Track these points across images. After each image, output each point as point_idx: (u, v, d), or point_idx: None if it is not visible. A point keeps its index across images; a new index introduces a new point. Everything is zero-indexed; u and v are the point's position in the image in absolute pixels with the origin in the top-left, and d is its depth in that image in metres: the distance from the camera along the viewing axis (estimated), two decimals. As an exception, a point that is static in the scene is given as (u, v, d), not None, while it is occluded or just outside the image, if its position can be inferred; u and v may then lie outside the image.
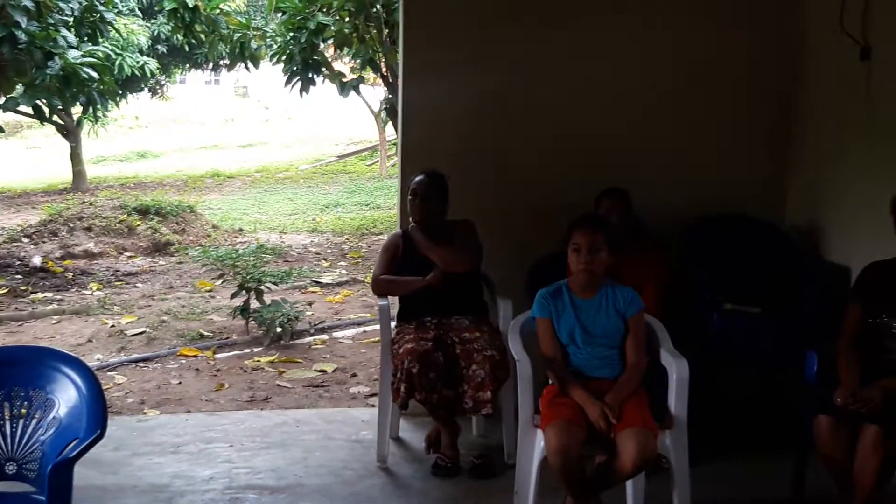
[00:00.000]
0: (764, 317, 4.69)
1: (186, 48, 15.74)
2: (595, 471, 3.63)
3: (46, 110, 12.29)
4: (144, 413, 5.71)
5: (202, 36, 12.21)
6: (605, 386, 3.63)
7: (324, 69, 11.07)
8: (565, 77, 5.07)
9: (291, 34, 10.88)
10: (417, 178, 4.54)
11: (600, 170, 4.91)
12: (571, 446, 3.41)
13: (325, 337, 7.71)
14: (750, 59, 5.17)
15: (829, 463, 3.65)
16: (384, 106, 11.40)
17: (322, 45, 11.11)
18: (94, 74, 11.38)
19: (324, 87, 12.38)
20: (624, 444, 3.43)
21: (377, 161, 20.30)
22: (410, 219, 4.59)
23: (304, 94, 11.33)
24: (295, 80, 11.21)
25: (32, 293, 9.47)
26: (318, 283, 9.88)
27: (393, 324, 4.60)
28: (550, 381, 3.70)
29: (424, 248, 4.47)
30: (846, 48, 4.61)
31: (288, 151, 24.22)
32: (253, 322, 7.61)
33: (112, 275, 10.50)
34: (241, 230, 13.50)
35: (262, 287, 7.76)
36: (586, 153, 5.07)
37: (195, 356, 7.07)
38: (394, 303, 4.64)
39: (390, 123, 14.63)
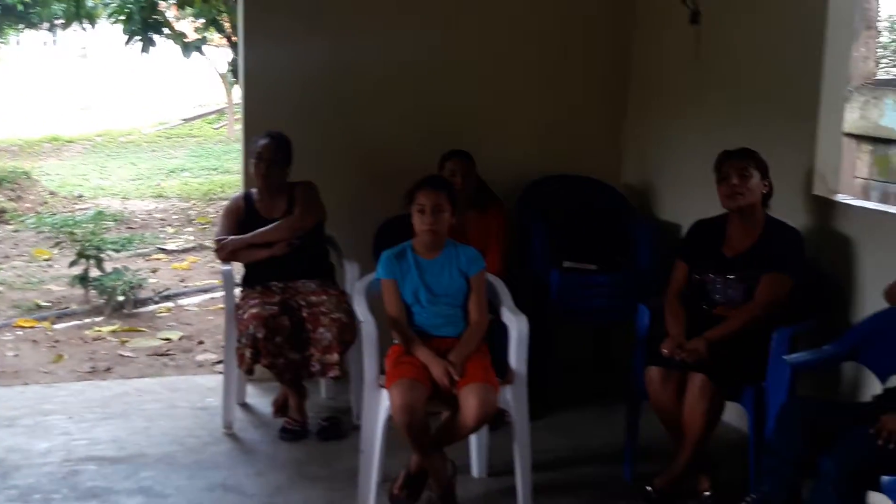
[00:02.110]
0: (600, 273, 4.86)
1: (21, 6, 14.92)
2: (439, 427, 3.70)
3: None
4: (-24, 387, 5.46)
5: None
6: (449, 344, 3.69)
7: (165, 29, 10.71)
8: (410, 41, 5.08)
9: (130, -8, 10.46)
10: (262, 142, 4.47)
11: (444, 133, 4.95)
12: (416, 404, 3.47)
13: (170, 304, 7.54)
14: (585, 23, 5.31)
15: (660, 412, 3.82)
16: (230, 68, 11.12)
17: (163, 4, 10.74)
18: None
19: (168, 48, 12.00)
20: (466, 400, 3.50)
21: (225, 124, 19.84)
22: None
23: (144, 53, 10.94)
24: (135, 41, 10.80)
25: None
26: (162, 250, 9.63)
27: (238, 289, 4.55)
28: (395, 341, 3.74)
29: (262, 236, 4.41)
30: (677, 12, 4.78)
31: (131, 114, 23.37)
32: (93, 291, 7.35)
33: (-60, 245, 9.95)
34: (80, 197, 12.97)
35: (103, 255, 7.51)
36: (431, 116, 5.12)
37: (32, 327, 6.80)
38: (238, 268, 4.59)
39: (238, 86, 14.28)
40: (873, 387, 3.47)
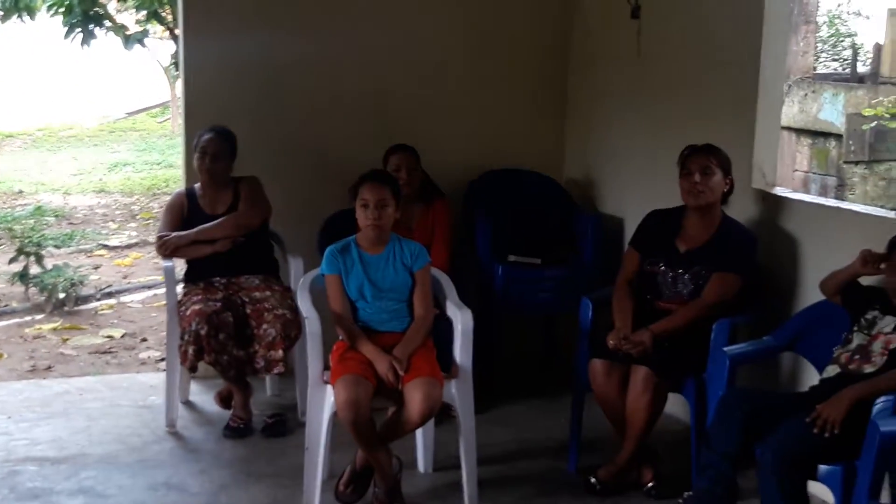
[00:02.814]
0: (544, 267, 4.88)
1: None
2: (385, 422, 3.70)
3: None
4: (-89, 388, 5.33)
5: (-31, -15, 11.31)
6: (394, 339, 3.68)
7: (106, 21, 10.53)
8: (354, 36, 5.04)
9: (69, -16, 10.26)
10: (206, 136, 4.42)
11: (390, 127, 4.93)
12: (361, 400, 3.45)
13: (112, 302, 7.43)
14: (528, 19, 5.32)
15: (604, 404, 3.85)
16: (172, 61, 10.99)
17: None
18: None
19: (109, 41, 11.81)
20: (411, 395, 3.50)
21: (169, 118, 19.59)
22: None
23: (85, 46, 10.75)
24: (75, 33, 10.61)
25: None
26: (105, 246, 9.47)
27: (180, 285, 4.50)
28: (340, 337, 3.73)
29: (207, 232, 4.36)
30: (618, 7, 4.82)
31: (72, 108, 22.95)
32: (34, 288, 7.22)
33: None
34: (20, 192, 12.72)
35: (43, 251, 7.38)
36: (375, 111, 5.10)
37: (-30, 326, 6.67)
38: (180, 263, 4.54)
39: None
40: (812, 377, 3.53)
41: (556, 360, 5.24)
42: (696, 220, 3.88)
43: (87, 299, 7.37)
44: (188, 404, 4.70)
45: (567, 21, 5.37)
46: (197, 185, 4.53)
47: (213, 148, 4.40)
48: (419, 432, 3.89)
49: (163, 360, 5.44)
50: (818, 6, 12.71)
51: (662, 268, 3.89)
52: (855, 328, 3.31)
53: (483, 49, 5.27)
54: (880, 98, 10.95)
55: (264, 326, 4.16)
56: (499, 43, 5.29)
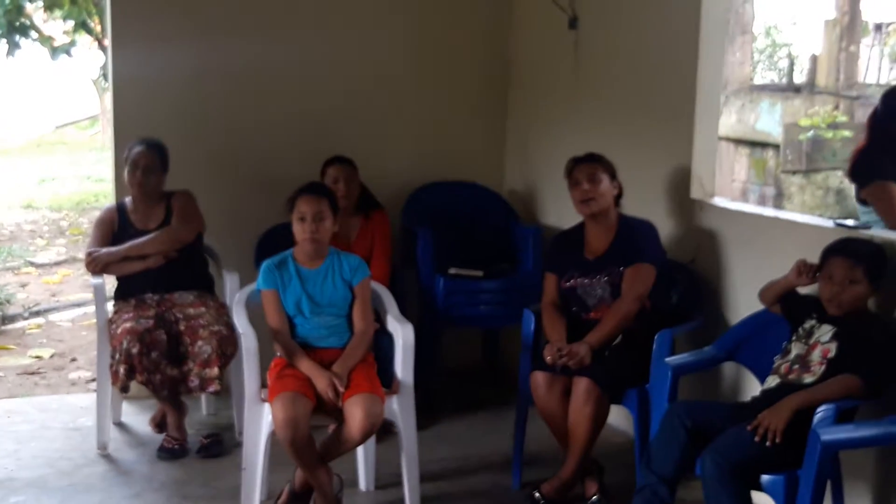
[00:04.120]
0: (486, 279, 4.85)
1: None
2: (324, 440, 3.62)
3: None
4: None
5: None
6: (334, 355, 3.62)
7: (32, 32, 10.32)
8: (290, 46, 4.99)
9: (-6, -6, 10.05)
10: (137, 149, 4.31)
11: (326, 139, 4.88)
12: (299, 418, 3.38)
13: (41, 321, 7.22)
14: (467, 31, 5.31)
15: (546, 417, 3.82)
16: (101, 72, 10.80)
17: (30, 7, 10.35)
18: None
19: (35, 52, 11.58)
20: (351, 412, 3.44)
21: (98, 131, 19.26)
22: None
23: (10, 57, 10.53)
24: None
25: None
26: (32, 264, 9.25)
27: (111, 303, 4.37)
28: (278, 354, 3.65)
29: (138, 248, 4.25)
30: (555, 18, 4.81)
31: (-1, 122, 22.45)
32: (-42, 307, 7.01)
33: None
34: (-56, 209, 12.40)
35: (-32, 269, 7.16)
36: (312, 122, 5.04)
37: None
38: (111, 280, 4.41)
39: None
40: (754, 387, 3.54)
41: (498, 374, 5.21)
42: (596, 228, 3.94)
43: (14, 318, 7.17)
44: (120, 426, 4.58)
45: (507, 33, 5.36)
46: (128, 200, 4.41)
47: (144, 161, 4.29)
48: (360, 449, 3.83)
49: (93, 380, 5.29)
50: (754, 17, 12.95)
51: (579, 279, 3.92)
52: (794, 338, 3.32)
53: (422, 61, 5.24)
54: (816, 108, 11.17)
55: (199, 343, 4.06)
56: (438, 54, 5.26)
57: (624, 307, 3.79)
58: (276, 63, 4.97)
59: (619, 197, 3.95)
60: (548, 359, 3.74)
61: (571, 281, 3.93)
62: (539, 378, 3.78)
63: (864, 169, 3.72)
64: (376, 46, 5.14)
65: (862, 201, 3.69)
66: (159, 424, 4.38)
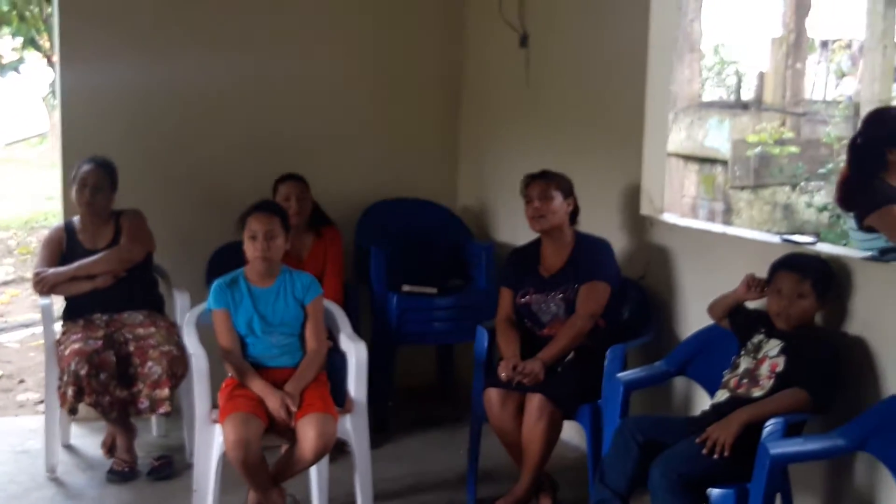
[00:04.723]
0: (439, 296, 4.85)
1: None
2: (277, 461, 3.59)
3: None
4: None
5: None
6: (286, 374, 3.59)
7: (-20, 49, 10.17)
8: (242, 63, 4.97)
9: (-60, 10, 9.89)
10: (85, 167, 4.26)
11: (278, 156, 4.86)
12: (251, 439, 3.35)
13: (-12, 341, 7.11)
14: (420, 48, 5.33)
15: (500, 433, 3.83)
16: (51, 89, 10.68)
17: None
18: None
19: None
20: (304, 432, 3.41)
21: (48, 149, 18.99)
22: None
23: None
24: (-54, 61, 10.21)
25: None
26: (-20, 284, 9.10)
27: (59, 323, 4.30)
28: (229, 374, 3.61)
29: (87, 268, 4.20)
30: (506, 36, 4.85)
31: (-54, 139, 22.04)
32: None
33: None
34: None
35: (-88, 290, 7.01)
36: (264, 140, 5.02)
37: None
38: (59, 300, 4.34)
39: (61, 109, 13.70)
40: (705, 401, 3.57)
41: (453, 391, 5.20)
42: (551, 245, 3.97)
43: (-39, 339, 7.03)
44: (69, 448, 4.51)
45: (459, 50, 5.38)
46: (76, 219, 4.36)
47: (92, 180, 4.24)
48: (313, 470, 3.79)
49: (42, 402, 5.20)
50: (702, 35, 13.14)
51: (534, 296, 3.94)
52: (742, 352, 3.36)
53: (375, 78, 5.25)
54: (764, 124, 11.34)
55: (149, 364, 4.00)
56: (391, 72, 5.27)
57: (578, 324, 3.81)
58: (228, 80, 4.94)
59: (575, 214, 3.97)
60: (502, 375, 3.74)
61: (526, 297, 3.95)
62: (493, 395, 3.79)
63: (861, 196, 3.67)
64: (328, 64, 5.14)
65: (866, 228, 3.65)
66: (111, 449, 4.31)
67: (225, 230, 3.97)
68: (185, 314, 3.99)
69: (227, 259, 4.17)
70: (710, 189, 11.02)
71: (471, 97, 5.37)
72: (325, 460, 3.72)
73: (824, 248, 3.57)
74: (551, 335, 3.86)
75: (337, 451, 3.77)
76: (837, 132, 10.74)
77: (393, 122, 5.30)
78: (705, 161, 11.14)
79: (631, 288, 4.08)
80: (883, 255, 3.37)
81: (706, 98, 14.34)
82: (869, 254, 3.44)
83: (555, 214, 3.89)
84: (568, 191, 3.94)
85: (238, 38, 4.95)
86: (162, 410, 4.00)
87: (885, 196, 3.62)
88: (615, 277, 3.95)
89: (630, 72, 4.20)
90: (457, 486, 4.10)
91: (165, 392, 3.98)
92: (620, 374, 3.60)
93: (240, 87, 4.96)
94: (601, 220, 4.24)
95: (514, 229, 4.99)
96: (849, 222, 3.74)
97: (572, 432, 4.09)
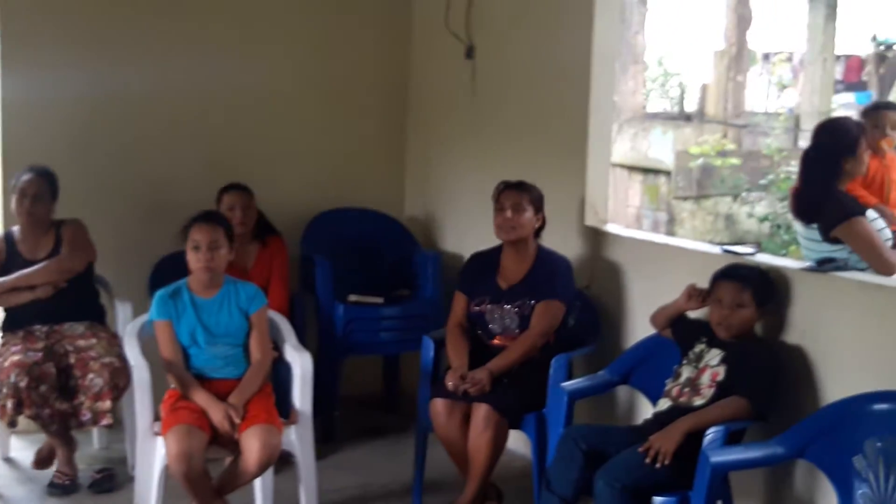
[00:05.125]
0: (386, 306, 4.85)
1: None
2: (221, 473, 3.56)
3: None
4: None
5: None
6: (230, 386, 3.57)
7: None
8: (185, 72, 4.91)
9: None
10: (25, 177, 4.20)
11: (222, 166, 4.81)
12: (194, 451, 3.33)
13: (-75, 353, 6.92)
14: (367, 58, 5.31)
15: (446, 443, 3.83)
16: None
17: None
18: None
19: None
20: (248, 443, 3.39)
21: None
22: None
23: None
24: None
25: None
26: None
27: (-3, 336, 4.23)
28: (172, 386, 3.58)
29: (26, 278, 4.13)
30: (452, 47, 4.87)
31: None
32: None
33: None
34: None
35: None
36: (208, 149, 4.97)
37: None
38: (-1, 311, 4.28)
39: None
40: (648, 410, 3.61)
41: (399, 401, 5.20)
42: (513, 256, 3.97)
43: None
44: (8, 461, 4.43)
45: (405, 61, 5.39)
46: (16, 229, 4.29)
47: (32, 189, 4.18)
48: (258, 481, 3.76)
49: (-20, 415, 5.11)
50: (646, 47, 13.31)
51: (489, 306, 3.95)
52: (684, 361, 3.41)
53: (321, 87, 5.22)
54: (706, 136, 11.51)
55: (90, 376, 3.95)
56: (337, 81, 5.25)
57: (530, 341, 3.82)
58: (173, 90, 4.89)
59: (540, 229, 3.98)
60: (449, 385, 3.75)
61: (481, 306, 3.95)
62: (439, 405, 3.79)
63: (825, 208, 3.70)
64: (273, 73, 5.11)
65: (832, 240, 3.70)
66: (43, 460, 4.23)
67: (168, 240, 3.94)
68: (127, 325, 3.95)
69: (170, 269, 4.13)
70: (654, 199, 11.16)
71: (417, 107, 5.38)
72: (269, 472, 3.69)
73: (764, 258, 3.64)
74: (500, 345, 3.87)
75: (282, 462, 3.74)
76: (778, 144, 10.95)
77: (339, 131, 5.28)
78: (649, 172, 11.28)
79: (576, 298, 4.11)
80: (821, 266, 3.44)
81: (650, 109, 14.51)
82: (807, 264, 3.52)
83: (523, 228, 3.89)
84: (539, 206, 3.94)
85: (183, 49, 4.90)
86: (104, 423, 3.95)
87: (850, 208, 3.70)
88: (572, 298, 3.96)
89: (574, 83, 4.25)
90: (403, 496, 4.10)
91: (107, 404, 3.92)
92: (564, 384, 3.63)
93: (185, 97, 4.91)
94: (547, 230, 4.25)
95: (461, 239, 5.02)
96: (806, 232, 3.80)
97: (518, 441, 4.10)
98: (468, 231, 4.94)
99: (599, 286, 4.15)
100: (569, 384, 3.63)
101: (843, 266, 3.45)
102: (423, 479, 4.04)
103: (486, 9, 4.78)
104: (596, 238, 4.22)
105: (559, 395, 3.58)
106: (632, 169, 11.45)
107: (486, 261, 4.05)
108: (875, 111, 4.55)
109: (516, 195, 3.90)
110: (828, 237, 3.67)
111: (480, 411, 3.68)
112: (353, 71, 5.28)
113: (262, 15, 5.07)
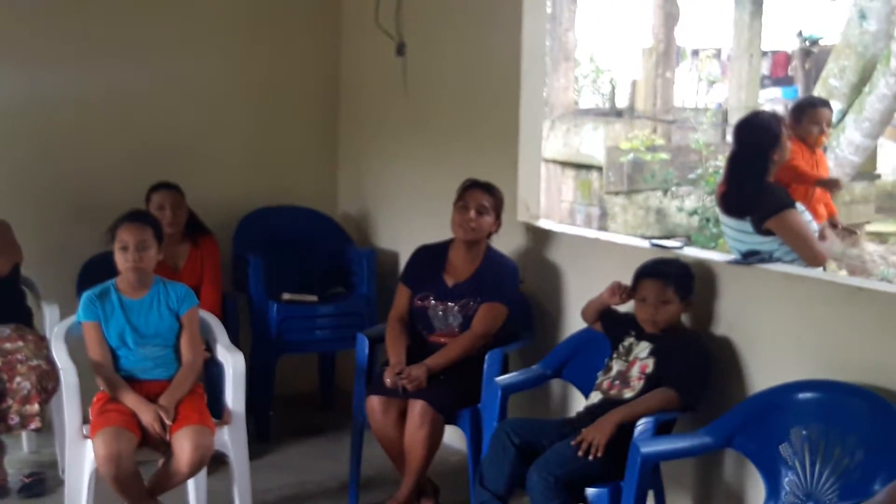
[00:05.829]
0: (321, 304, 4.84)
1: None
2: (153, 475, 3.51)
3: None
4: None
5: None
6: (161, 387, 3.54)
7: None
8: (113, 71, 4.84)
9: None
10: (-54, 178, 4.09)
11: (152, 165, 4.74)
12: (123, 453, 3.29)
13: None
14: (297, 54, 5.28)
15: (382, 440, 3.83)
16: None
17: None
18: None
19: None
20: (180, 445, 3.36)
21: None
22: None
23: None
24: None
25: None
26: None
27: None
28: (101, 388, 3.53)
29: None
30: (383, 44, 4.86)
31: None
32: None
33: None
34: None
35: None
36: (138, 148, 4.89)
37: None
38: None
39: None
40: (581, 403, 3.65)
41: (334, 399, 5.19)
42: (463, 254, 3.96)
43: None
44: (-66, 469, 4.30)
45: (336, 57, 5.37)
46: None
47: (-46, 190, 4.08)
48: (191, 482, 3.73)
49: None
50: (577, 44, 13.42)
51: (432, 302, 3.95)
52: (614, 355, 3.46)
53: (250, 85, 5.18)
54: (636, 132, 11.65)
55: (17, 379, 3.87)
56: (267, 79, 5.21)
57: (470, 341, 3.84)
58: (98, 89, 4.80)
59: (494, 232, 3.98)
60: (387, 381, 3.75)
61: (425, 301, 3.95)
62: (374, 402, 3.79)
63: (757, 200, 3.76)
64: (202, 70, 5.05)
65: (764, 232, 3.75)
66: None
67: (96, 241, 3.88)
68: (55, 327, 3.88)
69: (98, 270, 4.06)
70: (586, 194, 11.26)
71: (349, 104, 5.36)
72: (203, 472, 3.66)
73: (692, 252, 3.70)
74: (439, 342, 3.88)
75: (215, 462, 3.70)
76: (706, 138, 11.12)
77: (270, 128, 5.25)
78: (581, 167, 11.38)
79: (520, 303, 4.10)
80: (746, 258, 3.51)
81: (582, 105, 14.65)
82: (733, 257, 3.59)
83: (482, 230, 3.89)
84: (500, 211, 3.94)
85: (108, 46, 4.81)
86: (33, 426, 3.89)
87: (783, 200, 3.77)
88: (515, 302, 3.97)
89: (504, 80, 4.27)
90: (339, 494, 4.10)
91: (35, 407, 3.86)
92: (498, 378, 3.65)
93: (111, 96, 4.83)
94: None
95: (395, 236, 5.02)
96: (736, 224, 3.85)
97: (454, 436, 4.13)
98: (402, 227, 4.95)
99: (534, 281, 4.18)
100: (502, 378, 3.65)
101: (768, 258, 3.54)
102: (359, 476, 4.03)
103: (416, 5, 4.78)
104: (528, 234, 4.25)
105: (493, 389, 3.60)
106: (564, 164, 11.55)
107: (434, 255, 4.03)
108: (812, 108, 4.65)
109: (483, 197, 3.89)
110: (760, 229, 3.74)
111: (416, 407, 3.69)
112: (284, 68, 5.24)
113: (190, 13, 5.01)
